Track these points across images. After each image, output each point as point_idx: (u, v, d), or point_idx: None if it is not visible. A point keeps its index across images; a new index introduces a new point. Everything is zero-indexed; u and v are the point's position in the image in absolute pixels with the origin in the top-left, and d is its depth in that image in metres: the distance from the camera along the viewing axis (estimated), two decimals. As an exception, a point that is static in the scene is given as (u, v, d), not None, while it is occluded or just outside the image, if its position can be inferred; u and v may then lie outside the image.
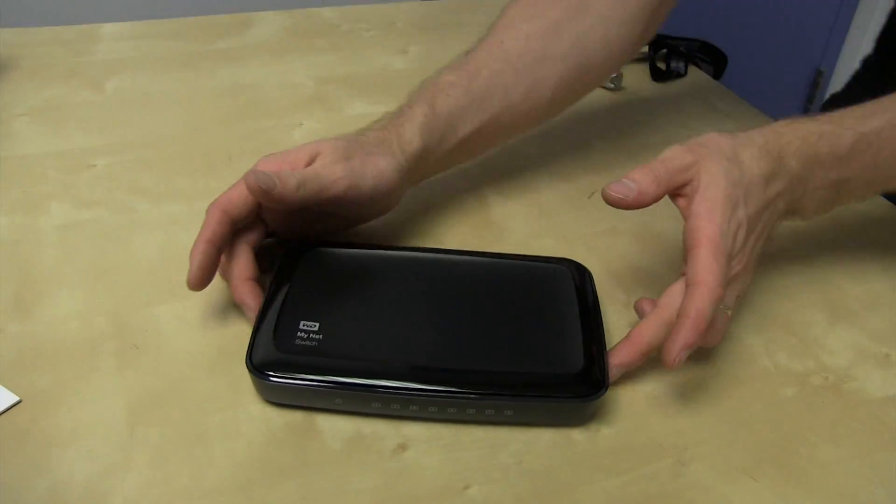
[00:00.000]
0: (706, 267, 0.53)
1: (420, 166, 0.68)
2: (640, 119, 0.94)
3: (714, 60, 1.04)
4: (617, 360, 0.55)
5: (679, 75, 1.04)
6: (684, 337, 0.51)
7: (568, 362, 0.54)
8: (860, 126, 0.61)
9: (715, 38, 1.09)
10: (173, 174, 0.78)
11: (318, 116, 0.89)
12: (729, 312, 0.57)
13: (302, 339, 0.54)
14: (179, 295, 0.63)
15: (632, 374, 0.58)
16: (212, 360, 0.58)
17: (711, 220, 0.55)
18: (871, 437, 0.55)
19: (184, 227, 0.71)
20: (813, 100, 2.47)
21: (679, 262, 0.70)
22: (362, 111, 0.91)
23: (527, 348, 0.55)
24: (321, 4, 1.19)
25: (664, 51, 1.05)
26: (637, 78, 1.03)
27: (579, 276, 0.62)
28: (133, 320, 0.61)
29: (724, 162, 0.57)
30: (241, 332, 0.60)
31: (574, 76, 0.74)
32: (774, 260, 0.70)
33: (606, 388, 0.53)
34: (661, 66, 1.05)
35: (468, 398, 0.53)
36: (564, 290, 0.60)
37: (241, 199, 0.60)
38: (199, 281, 0.58)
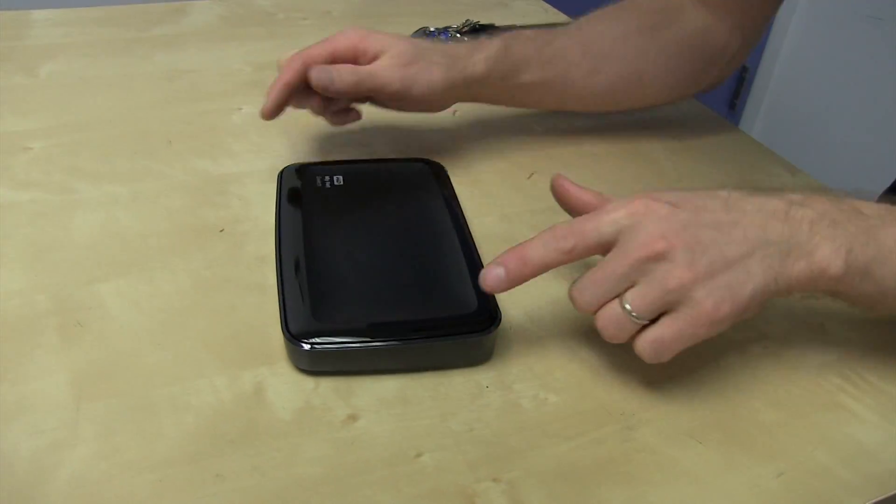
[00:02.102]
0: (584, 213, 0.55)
1: (478, 90, 0.78)
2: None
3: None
4: (493, 261, 0.54)
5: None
6: (503, 257, 0.54)
7: (463, 302, 0.57)
8: None
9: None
10: (112, 156, 0.77)
11: (256, 101, 0.87)
12: (632, 315, 0.52)
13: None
14: (122, 272, 0.63)
15: (576, 344, 0.59)
16: (157, 335, 0.57)
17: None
18: (810, 400, 0.57)
19: (125, 206, 0.70)
20: (739, 95, 2.53)
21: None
22: (302, 96, 0.90)
23: (429, 294, 0.59)
24: (257, -6, 1.18)
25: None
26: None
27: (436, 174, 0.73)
28: (75, 298, 0.60)
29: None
30: (185, 307, 0.60)
31: (628, 83, 0.83)
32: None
33: (499, 322, 0.57)
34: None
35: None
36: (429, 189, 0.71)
37: (321, 58, 0.71)
38: (272, 113, 0.71)
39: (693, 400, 0.56)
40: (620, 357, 0.59)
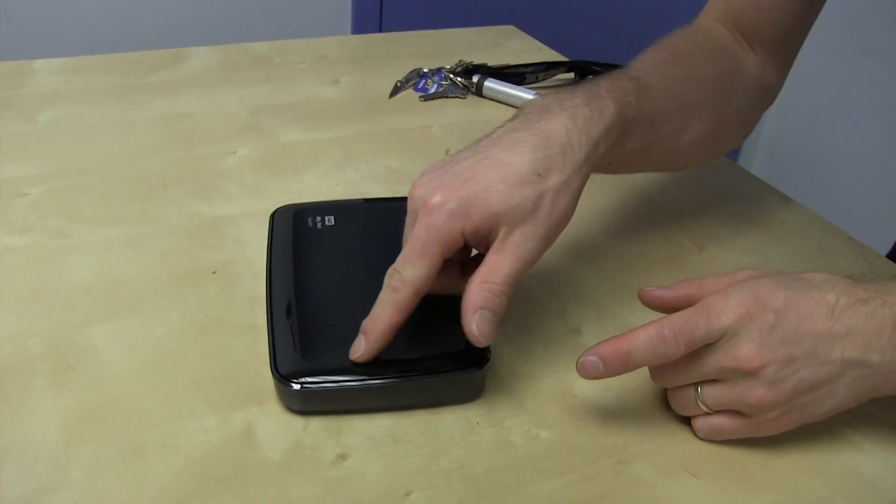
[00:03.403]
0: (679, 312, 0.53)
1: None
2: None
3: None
4: (595, 351, 0.53)
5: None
6: (605, 349, 0.53)
7: (452, 339, 0.56)
8: None
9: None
10: (108, 200, 0.78)
11: (252, 144, 0.89)
12: (701, 405, 0.54)
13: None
14: (115, 315, 0.63)
15: (568, 379, 0.59)
16: (148, 378, 0.57)
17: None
18: (807, 430, 0.56)
19: (119, 250, 0.70)
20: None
21: (613, 272, 0.72)
22: (296, 138, 0.91)
23: (419, 332, 0.58)
24: (253, 40, 1.19)
25: (591, 77, 1.07)
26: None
27: None
28: (68, 341, 0.60)
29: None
30: (177, 349, 0.60)
31: (711, 136, 0.72)
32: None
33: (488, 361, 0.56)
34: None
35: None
36: None
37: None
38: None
39: (687, 432, 0.56)
40: (613, 390, 0.59)
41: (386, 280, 0.54)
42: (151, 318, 0.63)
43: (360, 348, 0.54)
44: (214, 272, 0.69)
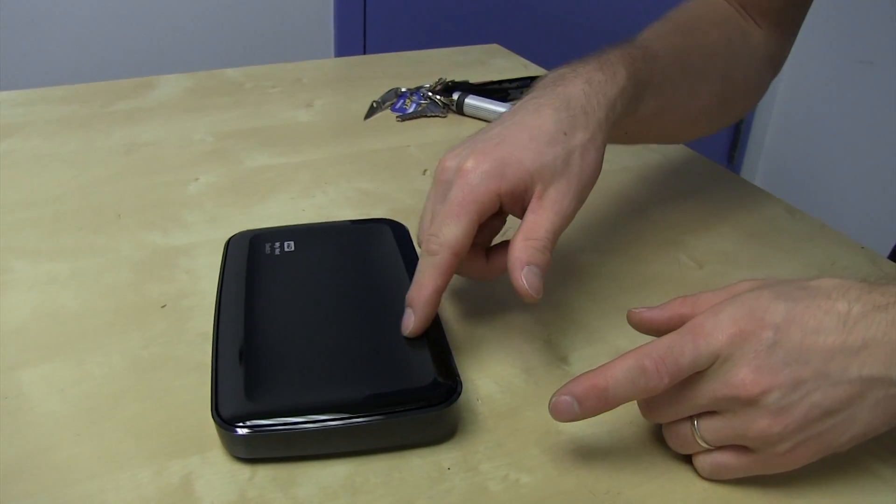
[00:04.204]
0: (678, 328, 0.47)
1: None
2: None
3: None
4: (568, 390, 0.47)
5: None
6: (579, 387, 0.46)
7: (418, 373, 0.51)
8: None
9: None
10: (56, 233, 0.72)
11: (215, 171, 0.83)
12: (700, 441, 0.47)
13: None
14: (49, 356, 0.57)
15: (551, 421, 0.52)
16: (79, 425, 0.51)
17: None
18: (832, 465, 0.49)
19: (63, 285, 0.64)
20: (736, 147, 2.51)
21: (604, 293, 0.66)
22: (263, 163, 0.85)
23: (381, 366, 0.52)
24: (225, 66, 1.14)
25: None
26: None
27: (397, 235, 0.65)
28: (-8, 386, 0.54)
29: None
30: (115, 392, 0.53)
31: (721, 102, 0.75)
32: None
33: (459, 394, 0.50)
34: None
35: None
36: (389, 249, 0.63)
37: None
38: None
39: (688, 472, 0.49)
40: (605, 425, 0.52)
41: (423, 245, 0.54)
42: (90, 358, 0.57)
43: (410, 321, 0.53)
44: (164, 306, 0.62)
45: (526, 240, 0.52)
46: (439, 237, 0.52)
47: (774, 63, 0.79)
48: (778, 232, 0.76)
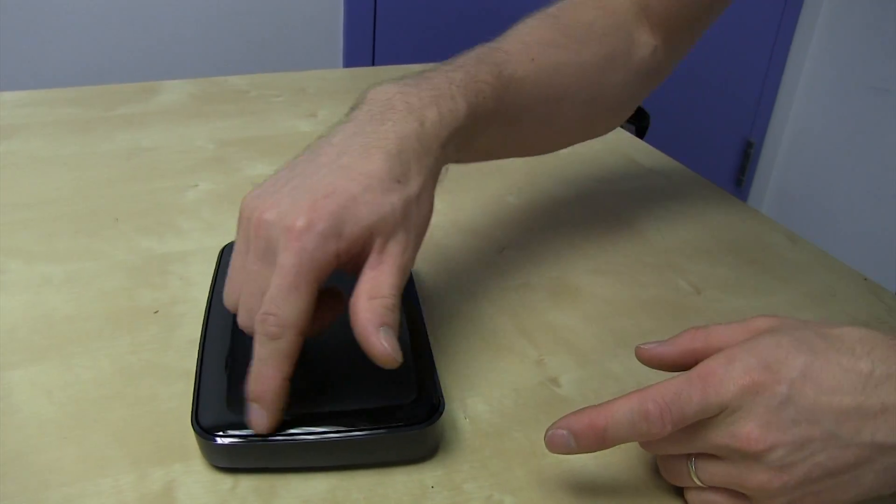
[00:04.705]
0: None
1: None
2: (557, 174, 0.90)
3: (636, 120, 1.00)
4: (566, 424, 0.45)
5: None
6: (577, 423, 0.45)
7: (400, 389, 0.50)
8: None
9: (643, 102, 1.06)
10: (52, 236, 0.72)
11: (215, 178, 0.83)
12: (695, 479, 0.46)
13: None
14: (38, 359, 0.56)
15: (538, 435, 0.51)
16: (64, 429, 0.51)
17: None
18: None
19: (56, 287, 0.64)
20: (745, 171, 2.50)
21: (597, 315, 0.65)
22: (262, 172, 0.85)
23: (364, 382, 0.51)
24: (234, 73, 1.14)
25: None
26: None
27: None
28: (-21, 387, 0.54)
29: None
30: (102, 397, 0.53)
31: (581, 125, 0.72)
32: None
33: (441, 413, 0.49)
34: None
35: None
36: None
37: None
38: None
39: (677, 502, 0.49)
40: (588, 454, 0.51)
41: (258, 328, 0.46)
42: (78, 361, 0.56)
43: (263, 419, 0.46)
44: (156, 312, 0.62)
45: (371, 298, 0.47)
46: (279, 316, 0.45)
47: (655, 77, 0.74)
48: (779, 260, 0.76)
